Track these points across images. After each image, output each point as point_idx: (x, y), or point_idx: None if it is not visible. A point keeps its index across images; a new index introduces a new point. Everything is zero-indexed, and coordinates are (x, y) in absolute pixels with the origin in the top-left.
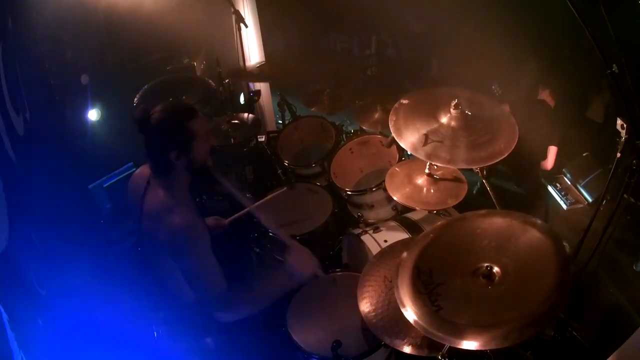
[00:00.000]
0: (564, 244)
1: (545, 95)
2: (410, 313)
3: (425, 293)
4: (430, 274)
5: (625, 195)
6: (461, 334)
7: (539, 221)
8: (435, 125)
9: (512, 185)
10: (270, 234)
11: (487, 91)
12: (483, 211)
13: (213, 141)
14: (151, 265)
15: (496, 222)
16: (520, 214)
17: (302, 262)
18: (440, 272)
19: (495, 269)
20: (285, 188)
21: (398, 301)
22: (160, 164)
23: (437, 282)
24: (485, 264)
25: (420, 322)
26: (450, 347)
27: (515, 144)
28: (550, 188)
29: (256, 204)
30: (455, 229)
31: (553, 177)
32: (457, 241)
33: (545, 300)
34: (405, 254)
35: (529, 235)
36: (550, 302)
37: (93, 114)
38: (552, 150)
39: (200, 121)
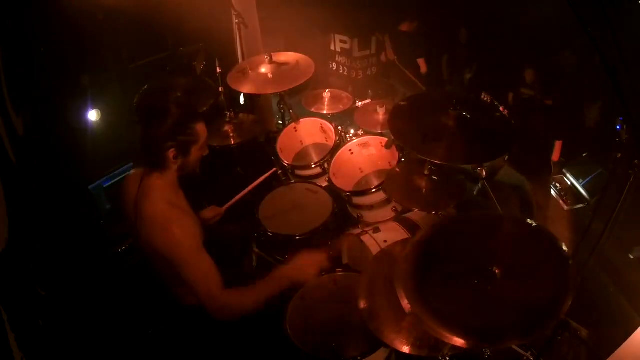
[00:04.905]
0: (564, 247)
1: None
2: (398, 272)
3: (420, 272)
4: (436, 258)
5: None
6: (428, 314)
7: (539, 224)
8: (434, 125)
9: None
10: (270, 234)
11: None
12: (488, 212)
13: (206, 152)
14: (149, 266)
15: (498, 224)
16: (520, 217)
17: (303, 266)
18: (447, 260)
19: (495, 270)
20: (275, 169)
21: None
22: (155, 159)
23: (439, 264)
24: (485, 265)
25: (401, 285)
26: (451, 347)
27: (512, 143)
28: (550, 188)
29: (249, 187)
30: (467, 226)
31: (554, 176)
32: (465, 238)
33: (545, 303)
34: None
35: (530, 237)
36: (549, 304)
37: (93, 114)
38: (558, 145)
39: (204, 128)
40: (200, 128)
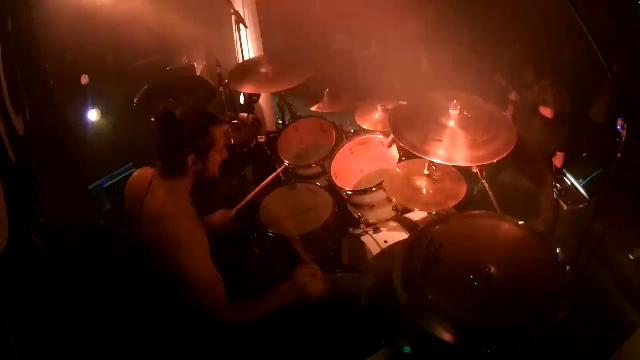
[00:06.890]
0: (558, 250)
1: (545, 111)
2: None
3: (422, 260)
4: (439, 248)
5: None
6: (423, 310)
7: (536, 229)
8: (434, 125)
9: (522, 183)
10: (270, 234)
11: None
12: (493, 213)
13: (225, 155)
14: (149, 269)
15: (502, 226)
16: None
17: (312, 283)
18: (449, 253)
19: (494, 271)
20: (283, 167)
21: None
22: (174, 166)
23: (440, 259)
24: (486, 265)
25: (396, 275)
26: (451, 347)
27: (513, 144)
28: (553, 189)
29: (258, 188)
30: (472, 224)
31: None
32: (463, 238)
33: (544, 303)
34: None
35: (528, 240)
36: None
37: (93, 114)
38: (560, 155)
39: (222, 131)
40: (218, 131)
